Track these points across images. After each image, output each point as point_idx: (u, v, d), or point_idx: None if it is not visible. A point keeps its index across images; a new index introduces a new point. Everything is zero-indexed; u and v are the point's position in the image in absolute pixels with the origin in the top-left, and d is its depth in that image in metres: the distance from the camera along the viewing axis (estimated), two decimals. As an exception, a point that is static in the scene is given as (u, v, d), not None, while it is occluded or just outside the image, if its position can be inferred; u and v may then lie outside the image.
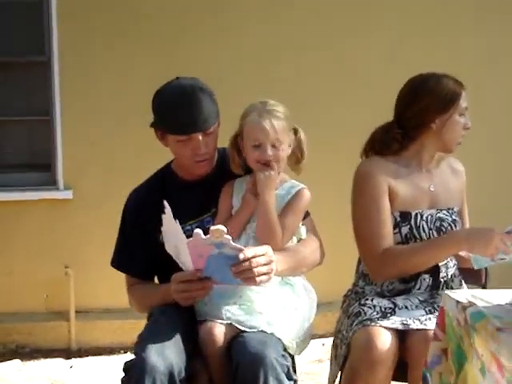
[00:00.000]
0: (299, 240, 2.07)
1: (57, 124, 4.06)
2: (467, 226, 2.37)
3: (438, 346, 1.65)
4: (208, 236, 1.76)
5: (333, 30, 4.10)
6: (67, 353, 3.93)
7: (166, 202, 1.79)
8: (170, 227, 1.81)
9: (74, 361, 3.81)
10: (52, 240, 4.09)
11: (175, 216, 1.97)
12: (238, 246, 1.81)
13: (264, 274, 1.82)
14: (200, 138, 2.03)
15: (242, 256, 1.78)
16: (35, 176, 4.16)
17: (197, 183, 2.14)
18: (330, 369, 2.23)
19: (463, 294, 1.61)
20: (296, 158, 2.07)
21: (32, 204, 4.07)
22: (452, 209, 2.25)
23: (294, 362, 2.24)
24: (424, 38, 4.09)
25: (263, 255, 1.83)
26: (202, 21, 4.05)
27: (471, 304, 1.50)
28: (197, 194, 2.13)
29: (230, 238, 1.76)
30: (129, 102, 3.94)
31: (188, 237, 1.80)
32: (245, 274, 1.80)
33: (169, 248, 1.89)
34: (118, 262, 2.22)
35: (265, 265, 1.82)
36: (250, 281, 1.82)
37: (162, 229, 1.85)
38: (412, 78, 2.23)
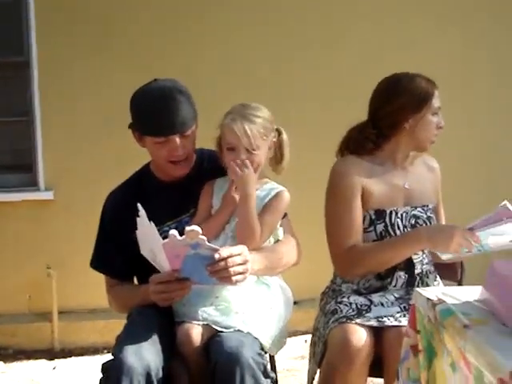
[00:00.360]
0: (276, 241, 2.09)
1: (37, 125, 4.04)
2: (443, 222, 2.40)
3: (408, 342, 1.68)
4: (183, 237, 1.76)
5: (312, 36, 4.11)
6: (50, 354, 3.91)
7: (139, 205, 1.80)
8: (145, 230, 1.82)
9: (57, 362, 3.80)
10: (34, 241, 4.07)
11: (153, 217, 1.99)
12: (214, 246, 1.82)
13: (240, 273, 1.84)
14: (177, 139, 2.04)
15: (217, 256, 1.80)
16: (16, 177, 4.14)
17: (175, 184, 2.15)
18: (309, 366, 2.25)
19: (434, 291, 1.64)
20: (276, 159, 2.09)
21: (13, 205, 4.05)
22: (427, 206, 2.28)
23: (273, 361, 2.27)
24: (398, 41, 4.11)
25: (239, 255, 1.84)
26: (181, 28, 4.04)
27: (441, 301, 1.52)
28: (175, 194, 2.14)
29: (205, 238, 1.77)
30: (110, 103, 3.94)
31: (165, 237, 1.82)
32: (220, 273, 1.82)
33: (144, 251, 1.90)
34: (97, 263, 2.23)
35: (240, 264, 1.84)
36: (226, 280, 1.84)
37: (137, 232, 1.86)
38: (385, 78, 2.26)
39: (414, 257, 2.20)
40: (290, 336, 3.26)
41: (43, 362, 3.81)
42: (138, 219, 1.82)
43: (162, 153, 2.07)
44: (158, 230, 2.03)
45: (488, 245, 2.06)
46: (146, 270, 1.98)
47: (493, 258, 1.58)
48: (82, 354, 3.89)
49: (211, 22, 4.08)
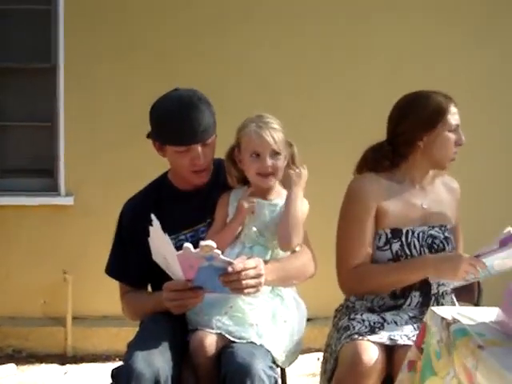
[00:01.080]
0: (292, 252, 2.07)
1: (60, 130, 4.10)
2: (461, 242, 2.37)
3: (408, 356, 1.66)
4: (198, 250, 1.77)
5: (333, 49, 4.13)
6: (63, 359, 3.93)
7: (153, 216, 1.80)
8: (159, 240, 1.82)
9: (68, 367, 3.82)
10: (51, 245, 4.11)
11: (170, 225, 1.99)
12: (228, 259, 1.82)
13: (252, 286, 1.84)
14: (199, 148, 2.05)
15: (230, 270, 1.80)
16: (37, 181, 4.19)
17: (192, 193, 2.16)
18: (319, 383, 2.23)
19: (449, 310, 1.62)
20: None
21: (33, 209, 4.09)
22: (445, 226, 2.25)
23: (284, 375, 2.25)
24: (423, 57, 4.10)
25: (253, 268, 1.84)
26: (204, 37, 4.09)
27: (455, 321, 1.50)
28: (192, 204, 2.14)
29: (219, 252, 1.77)
30: (132, 111, 3.97)
31: (180, 246, 1.81)
32: (233, 284, 1.82)
33: (156, 258, 1.90)
34: (112, 270, 2.24)
35: (253, 278, 1.84)
36: (238, 291, 1.84)
37: (149, 240, 1.86)
38: (403, 96, 2.25)
39: (430, 277, 2.17)
40: (302, 353, 3.22)
41: (55, 366, 3.83)
42: (150, 228, 1.82)
43: (183, 162, 2.08)
44: (175, 239, 2.05)
45: (494, 268, 2.07)
46: (160, 277, 1.97)
47: (510, 280, 1.56)
48: (93, 361, 3.90)
49: (236, 34, 4.11)
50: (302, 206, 2.01)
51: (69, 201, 4.10)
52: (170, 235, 1.97)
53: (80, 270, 4.03)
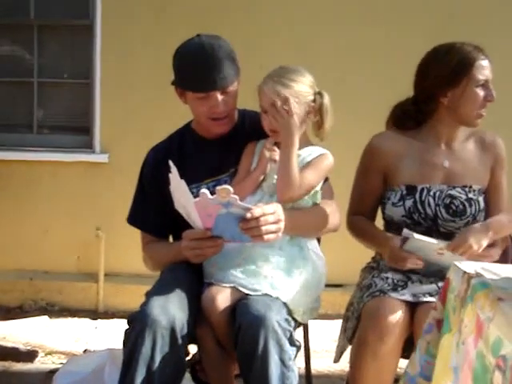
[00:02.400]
0: (314, 204, 2.01)
1: (96, 88, 4.09)
2: (501, 203, 2.18)
3: (433, 315, 1.58)
4: (215, 196, 1.73)
5: (374, 9, 3.98)
6: (94, 314, 3.99)
7: (171, 162, 1.77)
8: (178, 187, 1.79)
9: (99, 322, 3.86)
10: (86, 202, 4.14)
11: (193, 174, 1.96)
12: (246, 205, 1.78)
13: (272, 232, 1.79)
14: (218, 96, 2.00)
15: (248, 215, 1.75)
16: (73, 138, 4.21)
17: (215, 142, 2.11)
18: (338, 342, 2.18)
19: (473, 265, 1.54)
20: (317, 124, 2.01)
21: (68, 166, 4.12)
22: (470, 186, 2.12)
23: (306, 332, 2.22)
24: (471, 20, 3.93)
25: (272, 214, 1.79)
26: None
27: (478, 275, 1.43)
28: (215, 153, 2.10)
29: (236, 197, 1.72)
30: (168, 69, 3.90)
31: (198, 196, 1.77)
32: (252, 231, 1.77)
33: (178, 207, 1.87)
34: (134, 218, 2.23)
35: (273, 223, 1.79)
36: (258, 238, 1.79)
37: (170, 188, 1.83)
38: (429, 50, 2.12)
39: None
40: (333, 318, 3.17)
41: (86, 320, 3.88)
42: (170, 176, 1.79)
43: (202, 109, 2.03)
44: (196, 188, 2.01)
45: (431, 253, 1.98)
46: (181, 227, 1.94)
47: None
48: (124, 317, 3.89)
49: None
50: (294, 157, 1.91)
51: (103, 158, 4.11)
52: (192, 184, 1.95)
53: (113, 227, 4.04)
